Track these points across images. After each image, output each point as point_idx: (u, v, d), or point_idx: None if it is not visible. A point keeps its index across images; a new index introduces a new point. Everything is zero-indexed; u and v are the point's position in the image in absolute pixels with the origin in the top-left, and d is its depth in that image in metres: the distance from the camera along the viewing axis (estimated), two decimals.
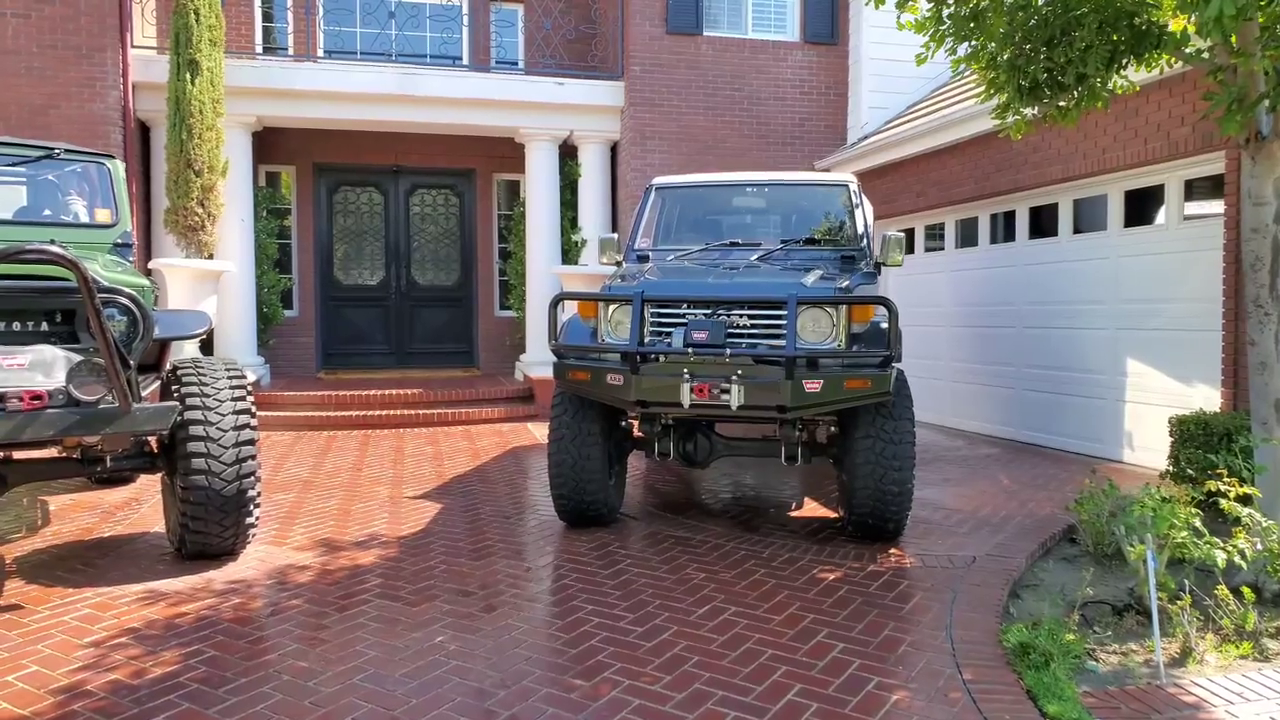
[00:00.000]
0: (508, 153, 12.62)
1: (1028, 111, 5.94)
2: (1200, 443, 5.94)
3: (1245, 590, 4.06)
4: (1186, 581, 4.24)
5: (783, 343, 4.91)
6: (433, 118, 11.22)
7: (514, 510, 6.15)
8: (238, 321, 10.85)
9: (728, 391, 4.73)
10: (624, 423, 5.62)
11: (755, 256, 6.13)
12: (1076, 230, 8.15)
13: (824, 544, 5.34)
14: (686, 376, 4.76)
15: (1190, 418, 6.08)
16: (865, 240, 6.30)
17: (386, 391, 10.18)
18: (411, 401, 10.14)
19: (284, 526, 5.71)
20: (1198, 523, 4.16)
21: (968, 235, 9.66)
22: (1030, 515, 5.95)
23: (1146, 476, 6.90)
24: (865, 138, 11.27)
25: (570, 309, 5.80)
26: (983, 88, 5.95)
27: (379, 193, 13.09)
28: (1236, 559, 4.05)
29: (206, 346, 10.72)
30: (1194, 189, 6.97)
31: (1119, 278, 7.59)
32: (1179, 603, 3.93)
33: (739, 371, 4.75)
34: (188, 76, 9.69)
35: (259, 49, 12.16)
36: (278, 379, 11.81)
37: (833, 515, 6.02)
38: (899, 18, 6.10)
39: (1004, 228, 9.13)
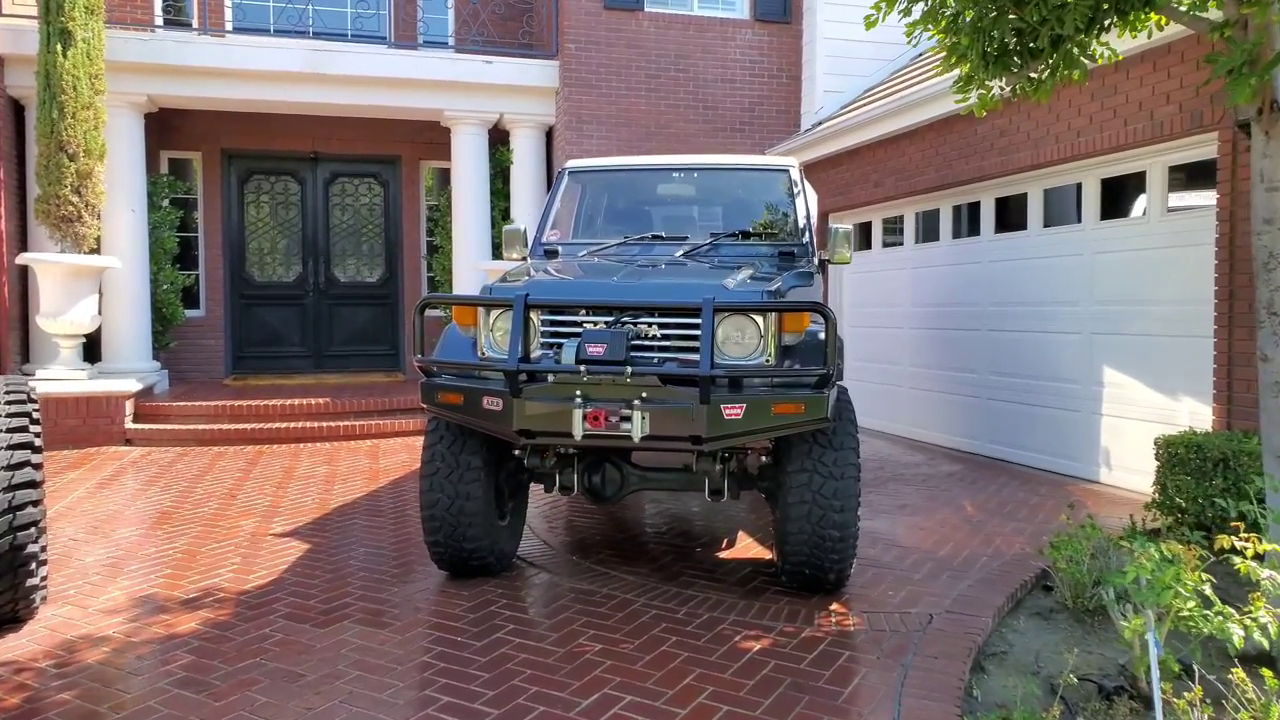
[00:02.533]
0: (435, 138, 11.63)
1: (994, 84, 5.09)
2: (1193, 469, 5.12)
3: (1266, 674, 3.22)
4: (1195, 665, 3.39)
5: (697, 358, 4.02)
6: (350, 99, 10.21)
7: (392, 554, 5.20)
8: (127, 323, 9.77)
9: (628, 419, 3.81)
10: (516, 451, 4.68)
11: (680, 253, 5.23)
12: (1047, 223, 7.33)
13: (753, 598, 4.44)
14: (578, 401, 3.83)
15: (1179, 439, 5.26)
16: (807, 234, 5.42)
17: (289, 401, 9.16)
18: (316, 412, 9.13)
19: (106, 578, 4.72)
20: (1208, 589, 3.32)
21: (929, 229, 8.83)
22: (997, 555, 5.10)
23: (1128, 502, 6.10)
24: (819, 123, 10.41)
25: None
26: (945, 63, 5.08)
27: (295, 181, 12.03)
28: (1256, 635, 3.21)
29: (93, 350, 9.64)
30: (1179, 177, 6.16)
31: (1094, 276, 6.78)
32: (1187, 695, 3.08)
33: (643, 394, 3.83)
34: (59, 47, 8.62)
35: (159, 21, 11.04)
36: (178, 386, 10.73)
37: (768, 556, 5.13)
38: None
39: (968, 221, 8.31)
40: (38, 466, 3.92)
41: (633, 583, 4.64)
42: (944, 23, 4.86)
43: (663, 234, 5.49)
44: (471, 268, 10.65)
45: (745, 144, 10.68)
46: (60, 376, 8.63)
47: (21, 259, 8.75)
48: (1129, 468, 6.52)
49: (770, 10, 10.81)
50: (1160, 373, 6.24)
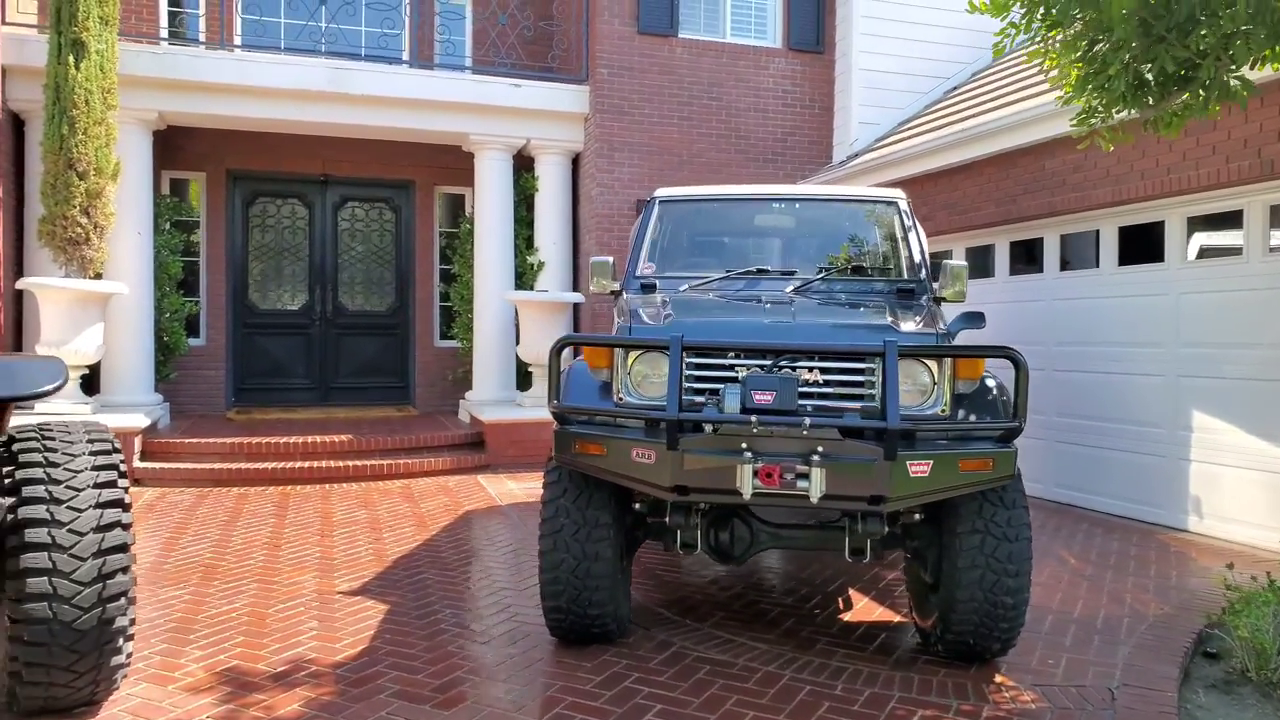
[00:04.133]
0: (451, 163, 11.21)
1: (1118, 115, 4.84)
2: None
3: None
4: None
5: (862, 406, 3.66)
6: (370, 120, 9.76)
7: (484, 616, 4.72)
8: (131, 353, 9.16)
9: (806, 477, 3.42)
10: (637, 505, 4.26)
11: (790, 289, 4.87)
12: (1122, 261, 7.11)
13: (905, 669, 4.05)
14: (748, 455, 3.44)
15: None
16: (923, 269, 5.10)
17: (310, 438, 8.61)
18: (340, 450, 8.59)
19: (174, 646, 4.19)
20: None
21: (981, 265, 8.59)
22: (1136, 616, 4.77)
23: (1231, 553, 5.83)
24: (855, 155, 10.18)
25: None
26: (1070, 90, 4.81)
27: (303, 205, 11.50)
28: None
29: (91, 384, 9.02)
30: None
31: (1180, 317, 6.55)
32: None
33: (819, 449, 3.44)
34: (71, 59, 8.09)
35: (163, 34, 10.52)
36: (179, 420, 10.10)
37: (896, 619, 4.75)
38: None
39: (1025, 257, 8.08)
40: (127, 526, 3.42)
41: (766, 651, 4.22)
42: (1081, 48, 4.61)
43: (767, 268, 5.12)
44: (495, 297, 10.20)
45: (777, 175, 10.41)
46: (62, 411, 7.99)
47: (23, 284, 8.14)
48: (1225, 516, 6.27)
49: (803, 39, 10.60)
50: (1264, 418, 6.00)
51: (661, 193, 5.54)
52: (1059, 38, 4.65)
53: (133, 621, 3.43)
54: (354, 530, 6.50)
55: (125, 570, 3.36)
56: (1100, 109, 4.85)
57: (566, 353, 3.88)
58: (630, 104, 10.05)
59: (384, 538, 6.29)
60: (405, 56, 10.99)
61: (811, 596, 5.11)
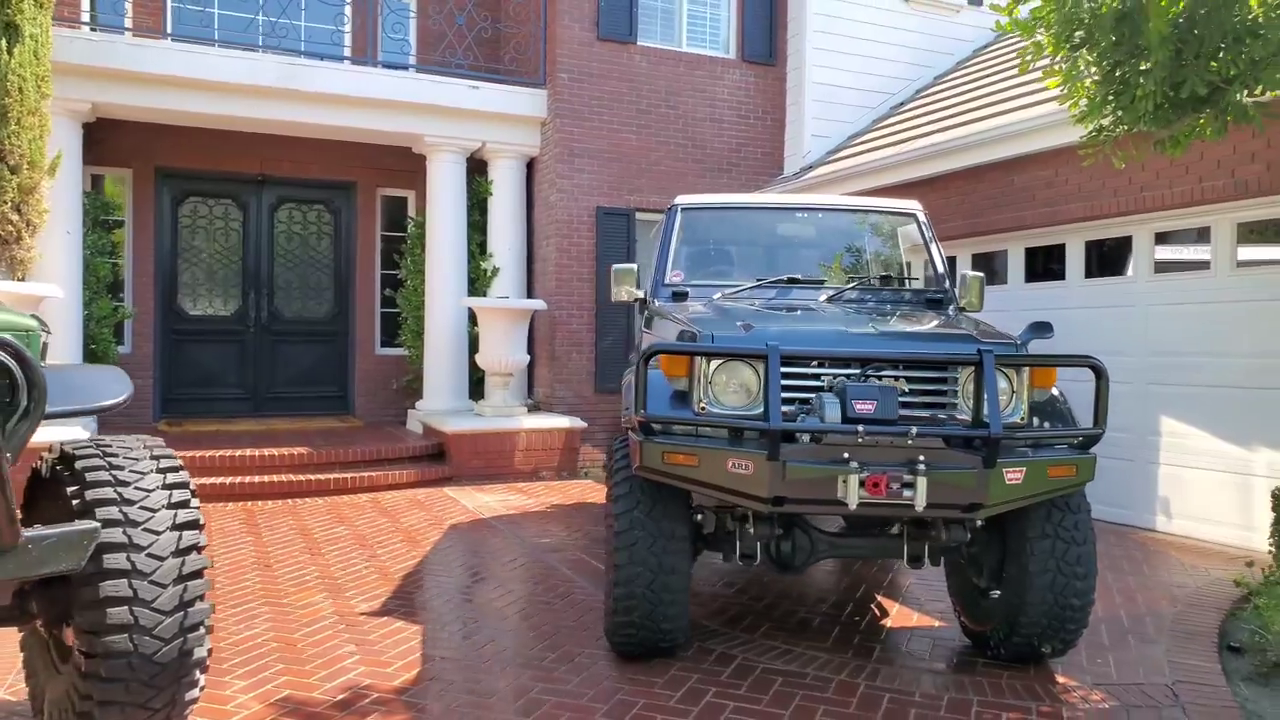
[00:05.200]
0: (395, 164, 10.88)
1: (1122, 130, 5.07)
2: None
3: None
4: None
5: (946, 415, 3.71)
6: (321, 119, 9.37)
7: (528, 634, 4.56)
8: (59, 360, 8.49)
9: (911, 485, 3.43)
10: (698, 516, 4.19)
11: (824, 298, 4.92)
12: (1089, 274, 7.45)
13: (968, 673, 4.12)
14: (854, 465, 3.42)
15: None
16: (947, 280, 5.22)
17: (266, 451, 8.16)
18: (299, 464, 8.18)
19: (212, 676, 3.88)
20: None
21: None
22: (1153, 613, 4.98)
23: (1202, 551, 6.19)
24: (809, 168, 10.35)
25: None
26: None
27: (237, 206, 10.94)
28: None
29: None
30: (1251, 233, 6.36)
31: (1149, 328, 6.90)
32: None
33: (921, 458, 3.46)
34: (3, 44, 7.46)
35: (85, 19, 9.83)
36: (106, 433, 9.43)
37: (935, 623, 4.82)
38: (1005, 18, 5.12)
39: (990, 270, 8.37)
40: (202, 549, 3.15)
41: (830, 661, 4.21)
42: (1103, 71, 4.80)
43: (798, 277, 5.14)
44: (450, 303, 9.92)
45: (732, 185, 10.48)
46: None
47: None
48: (1194, 516, 6.62)
49: (757, 52, 10.72)
50: (1231, 423, 6.36)
51: (682, 200, 5.50)
52: (1086, 59, 4.83)
53: (210, 652, 3.16)
54: (343, 547, 6.19)
55: (202, 597, 3.10)
56: (1111, 129, 5.08)
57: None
58: (590, 109, 9.95)
59: (379, 555, 6.01)
60: (348, 53, 10.59)
61: (844, 604, 5.14)
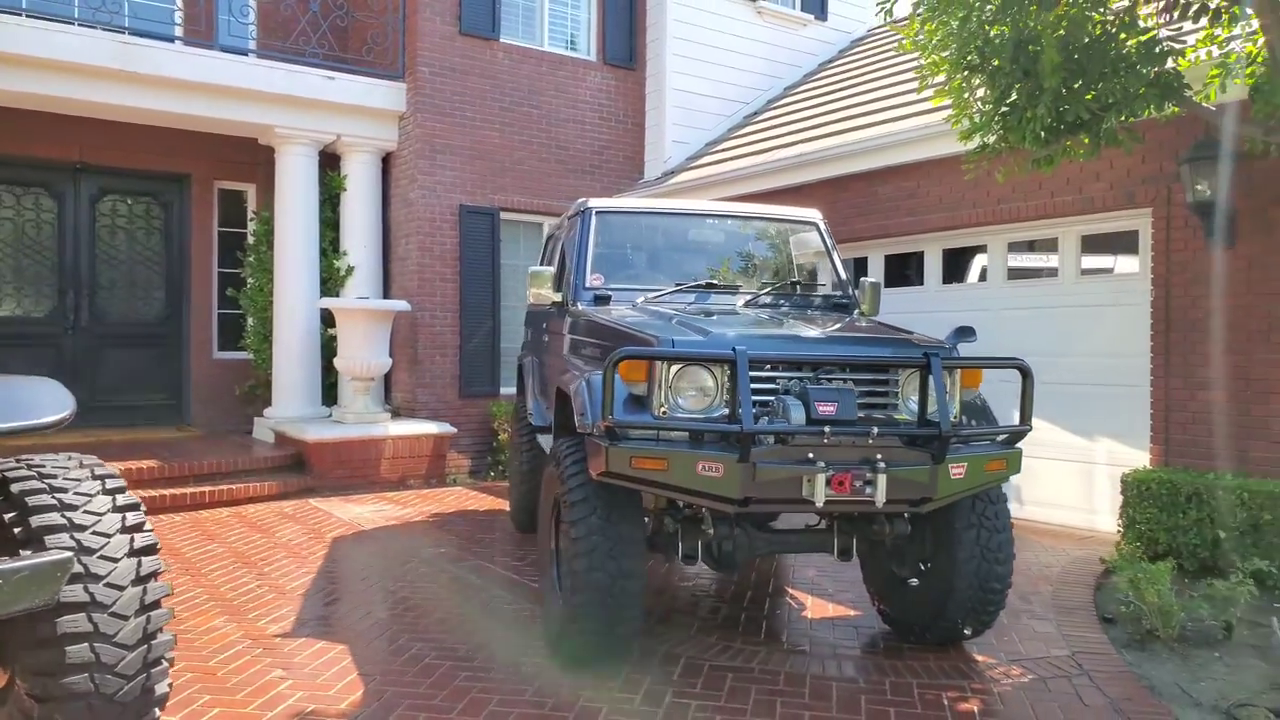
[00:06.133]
0: (234, 156, 10.21)
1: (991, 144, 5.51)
2: (1163, 503, 5.81)
3: None
4: None
5: (886, 415, 3.92)
6: (160, 105, 8.65)
7: (465, 648, 4.41)
8: None
9: (872, 483, 3.59)
10: (647, 519, 4.21)
11: (741, 303, 5.07)
12: (946, 280, 8.01)
13: (896, 657, 4.35)
14: (821, 465, 3.54)
15: (1148, 475, 5.96)
16: (849, 286, 5.49)
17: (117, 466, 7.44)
18: (149, 477, 7.51)
19: None
20: None
21: None
22: (1036, 591, 5.43)
23: (1054, 532, 6.84)
24: (671, 173, 10.54)
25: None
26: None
27: (50, 196, 9.91)
28: None
29: None
30: (1091, 244, 7.04)
31: (1001, 330, 7.50)
32: None
33: (879, 456, 3.63)
34: None
35: None
36: None
37: (851, 612, 5.04)
38: (904, 39, 5.42)
39: (854, 274, 8.82)
40: (159, 575, 2.87)
41: (771, 654, 4.34)
42: (996, 93, 5.20)
43: (714, 282, 5.26)
44: (302, 304, 9.41)
45: (595, 187, 10.51)
46: None
47: None
48: (1043, 502, 7.25)
49: (617, 55, 10.81)
50: (1077, 417, 7.02)
51: (595, 203, 5.49)
52: (976, 82, 5.21)
53: (171, 687, 2.88)
54: (225, 566, 5.76)
55: (161, 629, 2.83)
56: (994, 147, 5.50)
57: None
58: (452, 105, 9.71)
59: (268, 573, 5.63)
60: (179, 32, 9.84)
61: (761, 599, 5.28)
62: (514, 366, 9.86)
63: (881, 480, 3.59)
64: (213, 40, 9.36)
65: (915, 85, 8.76)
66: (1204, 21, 4.82)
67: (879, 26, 12.73)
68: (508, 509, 7.54)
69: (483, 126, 9.90)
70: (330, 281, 9.93)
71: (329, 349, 9.65)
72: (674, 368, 3.77)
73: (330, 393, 9.86)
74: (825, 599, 5.31)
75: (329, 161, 10.00)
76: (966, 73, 5.22)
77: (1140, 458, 6.46)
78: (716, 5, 11.07)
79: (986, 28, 4.93)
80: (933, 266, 8.09)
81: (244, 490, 7.76)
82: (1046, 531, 6.94)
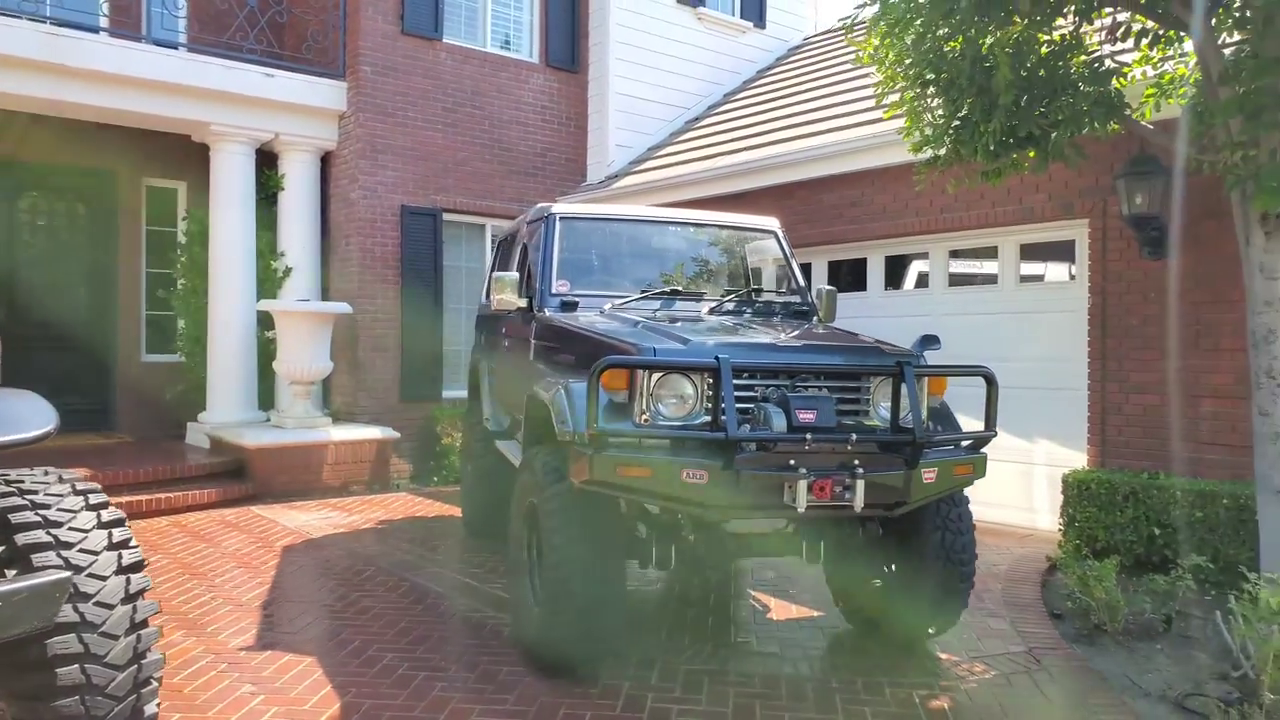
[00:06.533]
0: (162, 153, 9.89)
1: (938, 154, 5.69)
2: (1102, 502, 6.07)
3: None
4: None
5: (856, 421, 4.02)
6: (89, 99, 8.32)
7: (441, 657, 4.37)
8: None
9: (851, 488, 3.68)
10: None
11: (706, 309, 5.14)
12: (889, 286, 8.21)
13: (864, 657, 4.46)
14: (803, 471, 3.62)
15: (1088, 475, 6.22)
16: (808, 293, 5.60)
17: None
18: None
19: None
20: None
21: None
22: (988, 590, 5.60)
23: (995, 531, 7.10)
24: (614, 177, 10.57)
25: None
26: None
27: None
28: None
29: None
30: (1031, 252, 7.30)
31: (945, 335, 7.68)
32: None
33: (857, 462, 3.72)
34: None
35: None
36: None
37: (813, 613, 5.15)
38: (862, 52, 5.55)
39: None
40: (146, 593, 2.79)
41: (744, 656, 4.40)
42: (948, 108, 5.37)
43: (679, 289, 5.32)
44: (238, 306, 9.16)
45: (538, 189, 10.48)
46: None
47: None
48: (986, 503, 7.33)
49: (560, 58, 10.79)
50: (1016, 420, 7.26)
51: (559, 209, 5.49)
52: (932, 95, 5.38)
53: (160, 707, 2.80)
54: (173, 578, 5.58)
55: (149, 649, 2.75)
56: (945, 159, 5.67)
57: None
58: (395, 105, 9.57)
59: (220, 584, 5.48)
60: (104, 24, 9.47)
61: (725, 602, 5.35)
62: (457, 369, 9.85)
63: (860, 486, 3.68)
64: (142, 33, 9.08)
65: (854, 94, 9.04)
66: (1144, 43, 5.07)
67: (814, 35, 12.99)
68: (458, 514, 7.47)
69: (425, 127, 9.78)
70: (267, 283, 9.68)
71: (265, 352, 9.42)
72: (655, 376, 3.80)
73: (267, 396, 9.62)
74: (787, 600, 5.40)
75: (265, 160, 9.75)
76: (921, 87, 5.39)
77: (1078, 459, 6.74)
78: (658, 10, 11.15)
79: (942, 44, 5.10)
80: (876, 273, 8.29)
81: (182, 498, 7.52)
82: (989, 530, 7.15)
